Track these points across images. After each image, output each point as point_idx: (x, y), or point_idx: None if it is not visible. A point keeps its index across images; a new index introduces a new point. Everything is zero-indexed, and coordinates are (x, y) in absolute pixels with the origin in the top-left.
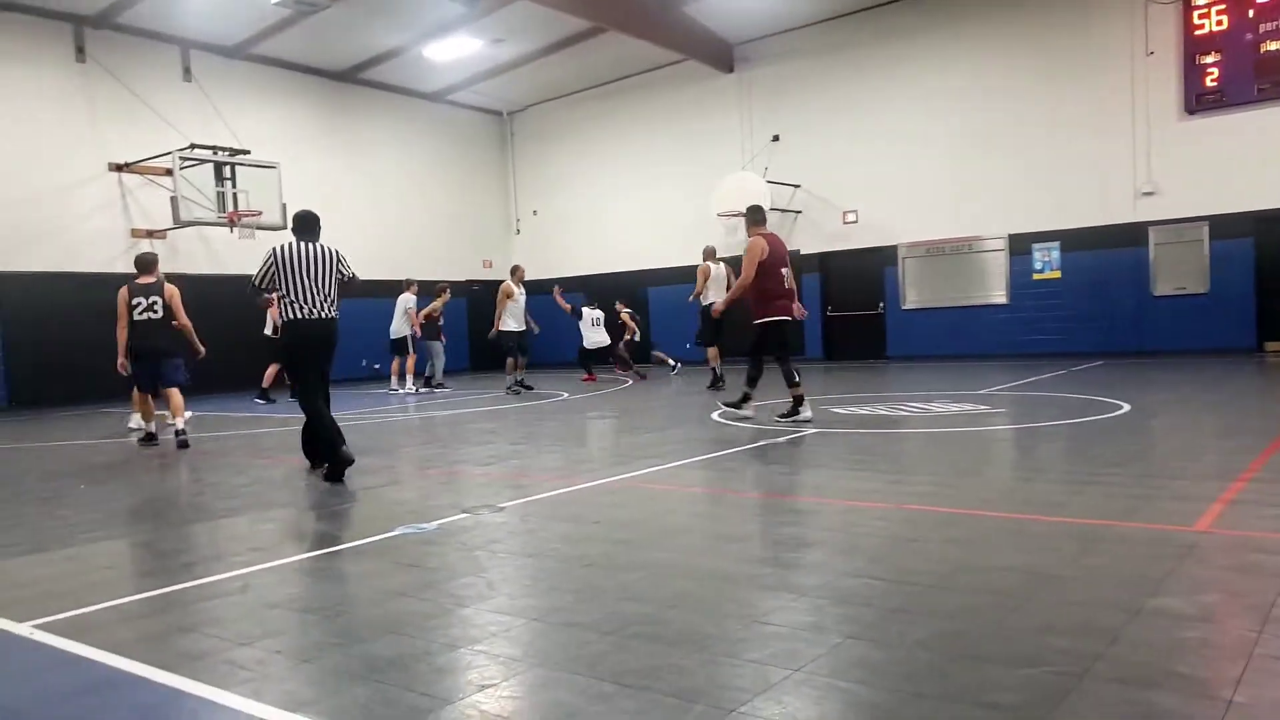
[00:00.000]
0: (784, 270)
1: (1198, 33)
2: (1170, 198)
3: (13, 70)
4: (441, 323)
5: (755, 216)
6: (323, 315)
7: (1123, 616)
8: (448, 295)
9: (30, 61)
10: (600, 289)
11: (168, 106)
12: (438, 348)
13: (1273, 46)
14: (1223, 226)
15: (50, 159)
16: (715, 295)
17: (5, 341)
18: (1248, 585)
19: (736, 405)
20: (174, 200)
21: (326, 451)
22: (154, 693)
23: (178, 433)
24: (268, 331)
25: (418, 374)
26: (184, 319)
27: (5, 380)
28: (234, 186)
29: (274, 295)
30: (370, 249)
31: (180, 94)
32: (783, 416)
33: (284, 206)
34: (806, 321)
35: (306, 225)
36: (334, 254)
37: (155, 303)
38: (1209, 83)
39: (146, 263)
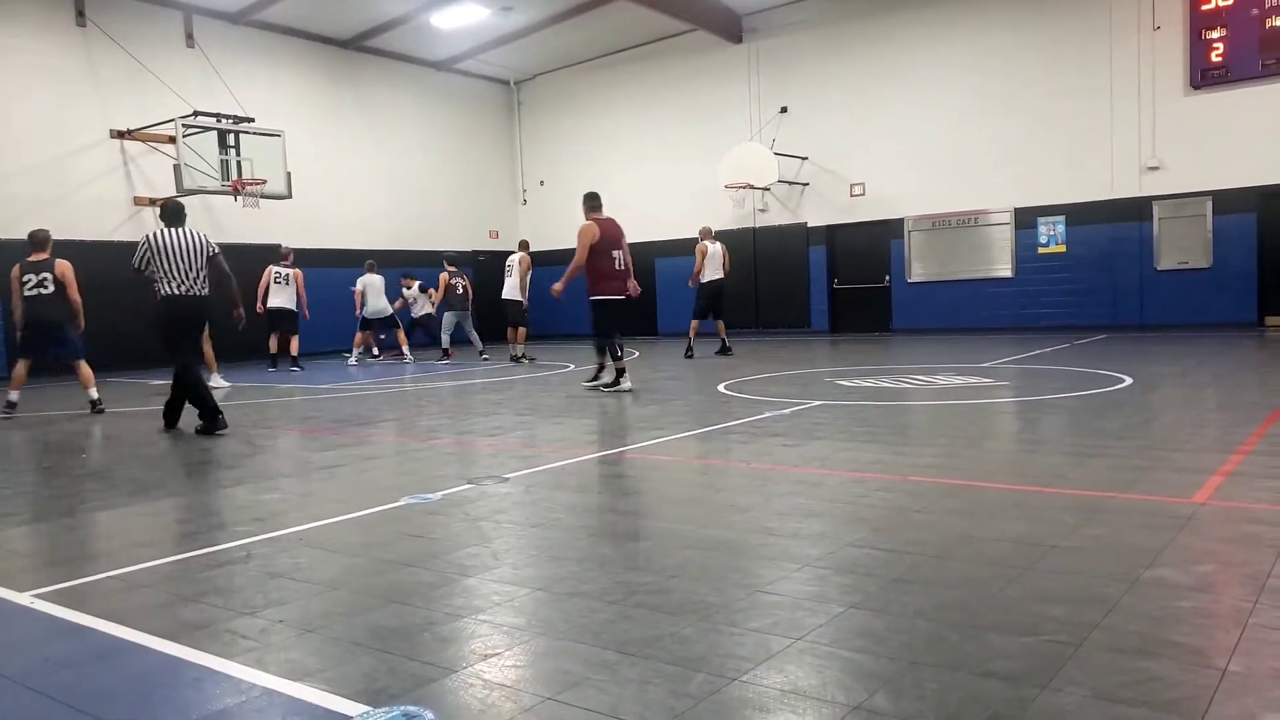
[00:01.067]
0: (615, 252)
1: (1204, 7)
2: (1174, 172)
3: (12, 33)
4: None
5: (591, 204)
6: (195, 292)
7: (1120, 586)
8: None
9: (29, 24)
10: None
11: (170, 73)
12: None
13: (1278, 22)
14: (1226, 201)
15: (51, 125)
16: (711, 273)
17: (4, 309)
18: (1244, 556)
19: (613, 384)
20: (177, 168)
21: (208, 414)
22: (156, 661)
23: (92, 402)
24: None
25: (427, 346)
26: (75, 295)
27: (5, 349)
28: (238, 155)
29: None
30: (375, 219)
31: (183, 60)
32: (589, 383)
33: (288, 175)
34: (813, 294)
35: (176, 214)
36: (203, 237)
37: (45, 279)
38: (1214, 58)
39: (38, 240)
